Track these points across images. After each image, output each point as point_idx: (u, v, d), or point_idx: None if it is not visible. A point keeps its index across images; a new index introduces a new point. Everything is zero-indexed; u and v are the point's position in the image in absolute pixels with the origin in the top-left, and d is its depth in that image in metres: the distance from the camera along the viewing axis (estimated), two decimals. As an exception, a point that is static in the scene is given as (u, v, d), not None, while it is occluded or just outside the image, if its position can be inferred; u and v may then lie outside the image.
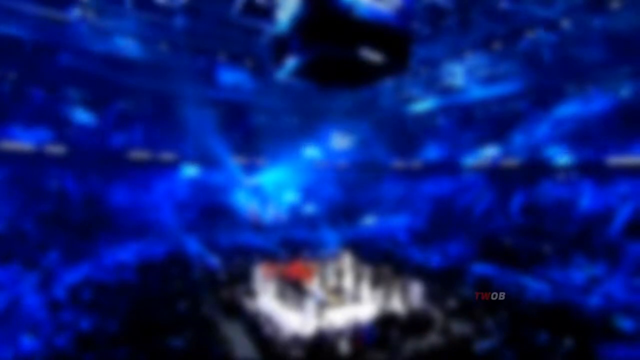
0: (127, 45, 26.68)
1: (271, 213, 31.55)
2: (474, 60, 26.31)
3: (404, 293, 15.27)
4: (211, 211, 29.44)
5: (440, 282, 18.04)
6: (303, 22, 14.41)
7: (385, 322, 13.49)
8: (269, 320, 14.05)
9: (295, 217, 31.75)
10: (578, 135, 21.86)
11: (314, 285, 16.24)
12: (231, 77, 29.86)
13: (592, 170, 20.98)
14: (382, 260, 21.36)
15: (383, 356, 12.16)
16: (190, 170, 31.54)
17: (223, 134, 31.32)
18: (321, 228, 28.95)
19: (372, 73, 15.39)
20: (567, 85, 23.76)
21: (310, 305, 14.04)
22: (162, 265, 21.01)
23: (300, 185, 35.28)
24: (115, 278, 18.98)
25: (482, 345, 12.23)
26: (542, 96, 24.68)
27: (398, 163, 35.03)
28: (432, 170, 31.44)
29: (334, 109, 37.35)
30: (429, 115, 32.71)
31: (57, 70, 26.14)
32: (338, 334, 12.78)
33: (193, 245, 23.79)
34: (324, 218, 31.03)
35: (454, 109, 29.91)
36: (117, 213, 26.71)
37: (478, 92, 27.46)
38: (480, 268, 19.98)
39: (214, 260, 21.02)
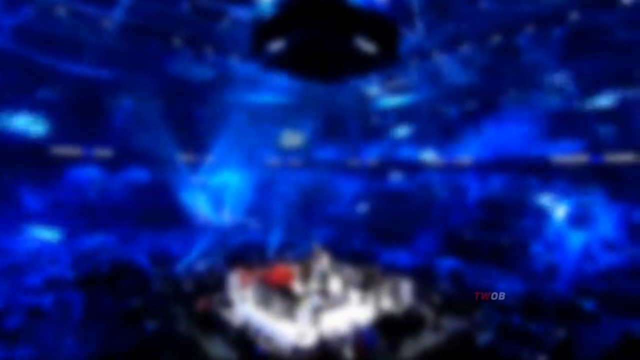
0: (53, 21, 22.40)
1: (225, 214, 29.36)
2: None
3: (395, 292, 14.97)
4: (157, 214, 26.29)
5: (415, 279, 18.19)
6: (291, 3, 13.39)
7: (384, 324, 13.01)
8: (259, 333, 12.65)
9: (250, 217, 29.96)
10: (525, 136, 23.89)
11: (305, 290, 15.15)
12: (184, 66, 26.90)
13: (537, 167, 23.04)
14: (354, 260, 20.95)
15: (388, 358, 11.69)
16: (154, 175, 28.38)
17: (168, 128, 28.28)
18: (280, 228, 27.78)
19: (359, 64, 14.82)
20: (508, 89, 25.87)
21: (304, 312, 12.96)
22: (109, 278, 18.01)
23: (254, 184, 33.56)
24: (49, 299, 15.74)
25: (482, 338, 12.42)
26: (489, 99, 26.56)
27: (352, 161, 35.13)
28: (388, 167, 32.05)
29: (284, 104, 36.16)
30: (385, 113, 33.32)
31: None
32: (340, 341, 11.94)
33: (142, 252, 20.96)
34: (282, 218, 29.83)
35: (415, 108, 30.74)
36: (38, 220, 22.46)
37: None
38: (448, 263, 20.74)
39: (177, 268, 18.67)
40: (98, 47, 23.97)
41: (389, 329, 12.73)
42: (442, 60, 24.93)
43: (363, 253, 23.01)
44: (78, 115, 25.72)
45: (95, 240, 21.78)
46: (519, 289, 16.90)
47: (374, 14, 13.68)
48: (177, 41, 24.76)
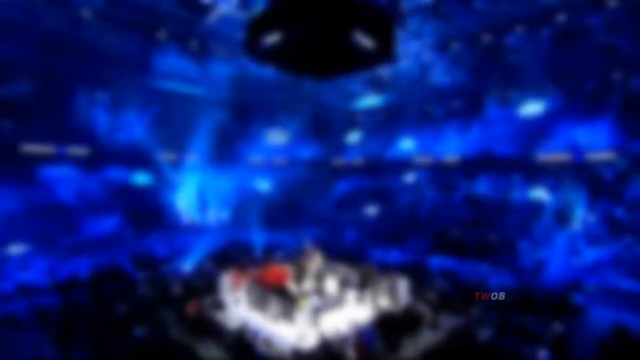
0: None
1: (210, 214, 28.48)
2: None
3: (392, 291, 14.82)
4: (139, 215, 25.12)
5: (408, 277, 18.13)
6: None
7: (384, 323, 12.80)
8: (257, 336, 12.15)
9: (236, 217, 29.18)
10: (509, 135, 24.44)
11: (300, 290, 14.75)
12: (170, 62, 25.83)
13: (522, 165, 23.62)
14: (345, 258, 20.70)
15: (391, 358, 11.49)
16: (141, 178, 26.95)
17: (150, 127, 27.16)
18: (267, 228, 27.24)
19: (355, 60, 14.55)
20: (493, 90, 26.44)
21: (303, 313, 12.57)
22: (92, 283, 16.95)
23: (238, 183, 32.79)
24: (24, 306, 14.62)
25: (482, 335, 12.43)
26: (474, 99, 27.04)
27: (339, 160, 34.96)
28: (375, 166, 32.06)
29: (269, 103, 35.58)
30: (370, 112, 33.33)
31: None
32: (342, 342, 11.64)
33: (125, 255, 19.93)
34: (268, 217, 29.26)
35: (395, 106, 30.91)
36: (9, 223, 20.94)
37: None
38: (438, 261, 20.85)
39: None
40: (73, 38, 22.71)
41: (389, 328, 12.54)
42: (430, 59, 25.15)
43: (354, 252, 22.83)
44: (50, 112, 24.28)
45: (72, 243, 20.54)
46: (510, 284, 17.12)
47: (373, 8, 13.53)
48: (161, 34, 23.74)
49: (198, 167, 30.45)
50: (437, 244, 22.88)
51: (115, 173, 26.26)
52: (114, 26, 22.68)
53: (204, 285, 16.41)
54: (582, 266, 17.86)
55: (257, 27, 13.95)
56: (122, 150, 26.26)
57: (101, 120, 25.96)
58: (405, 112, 30.81)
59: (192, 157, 30.60)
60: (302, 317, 12.51)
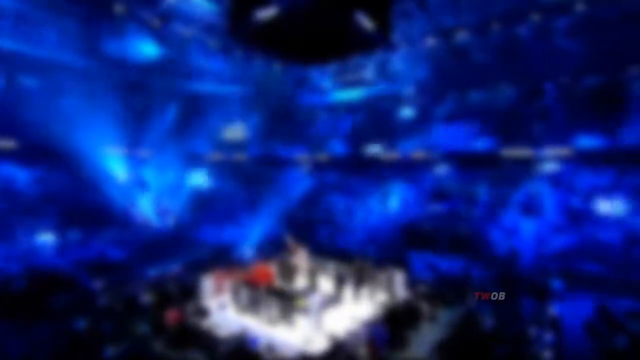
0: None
1: (167, 213, 25.77)
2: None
3: (390, 286, 14.24)
4: (80, 214, 21.72)
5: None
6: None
7: (390, 319, 12.15)
8: (256, 343, 10.76)
9: (197, 216, 26.83)
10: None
11: (295, 289, 13.54)
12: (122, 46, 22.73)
13: (487, 160, 24.69)
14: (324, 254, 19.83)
15: (403, 356, 10.87)
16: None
17: (95, 118, 23.70)
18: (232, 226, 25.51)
19: (351, 43, 13.79)
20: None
21: (306, 314, 11.46)
22: (31, 294, 14.04)
23: (194, 179, 30.36)
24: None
25: (486, 324, 12.34)
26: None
27: (302, 156, 33.92)
28: (339, 163, 31.58)
29: (227, 96, 33.55)
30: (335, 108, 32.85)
31: None
32: (354, 341, 10.75)
33: (70, 259, 17.03)
34: (231, 215, 27.39)
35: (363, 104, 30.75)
36: None
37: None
38: (417, 255, 20.90)
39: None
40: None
41: (395, 324, 11.93)
42: (402, 55, 25.36)
43: (326, 247, 22.08)
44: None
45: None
46: (490, 274, 17.59)
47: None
48: (118, 8, 20.77)
49: (153, 163, 27.61)
50: (410, 238, 22.98)
51: (49, 168, 22.45)
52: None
53: (177, 291, 14.48)
54: (551, 253, 18.99)
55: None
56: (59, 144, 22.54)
57: (33, 109, 22.08)
58: (372, 107, 30.82)
59: (147, 153, 27.67)
60: (304, 318, 11.41)
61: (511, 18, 20.42)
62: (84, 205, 22.24)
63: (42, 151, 22.27)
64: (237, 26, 13.06)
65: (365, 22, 12.61)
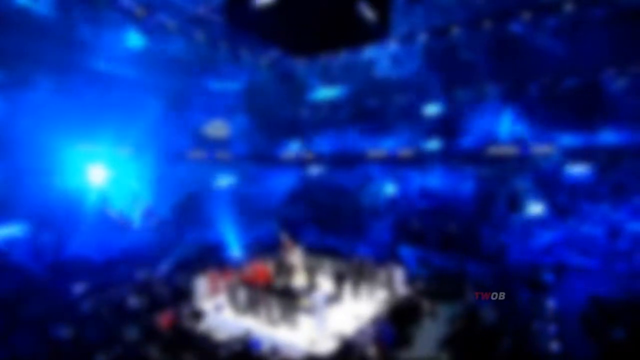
0: None
1: (143, 211, 24.44)
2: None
3: (389, 282, 13.97)
4: (49, 215, 20.03)
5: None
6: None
7: (396, 316, 11.87)
8: (259, 345, 10.20)
9: (179, 216, 25.65)
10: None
11: (296, 287, 13.01)
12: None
13: (474, 157, 25.01)
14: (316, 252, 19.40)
15: (410, 353, 10.61)
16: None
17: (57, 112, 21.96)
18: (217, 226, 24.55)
19: (350, 33, 13.40)
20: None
21: (310, 313, 10.98)
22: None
23: (175, 179, 29.07)
24: None
25: (488, 318, 12.28)
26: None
27: (288, 154, 33.28)
28: (326, 160, 31.17)
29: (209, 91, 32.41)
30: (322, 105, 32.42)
31: None
32: (363, 340, 10.39)
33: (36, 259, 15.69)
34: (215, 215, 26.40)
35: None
36: None
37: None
38: (408, 252, 20.83)
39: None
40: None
41: (400, 321, 11.66)
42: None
43: (318, 246, 21.66)
44: None
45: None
46: (484, 270, 17.71)
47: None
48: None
49: (128, 159, 26.14)
50: (400, 236, 22.91)
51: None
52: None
53: (167, 293, 13.64)
54: (539, 248, 19.38)
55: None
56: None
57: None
58: (356, 106, 30.59)
59: (122, 150, 26.15)
60: (308, 318, 10.93)
61: (503, 15, 20.68)
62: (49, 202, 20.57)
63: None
64: (235, 9, 12.41)
65: (367, 12, 12.31)
